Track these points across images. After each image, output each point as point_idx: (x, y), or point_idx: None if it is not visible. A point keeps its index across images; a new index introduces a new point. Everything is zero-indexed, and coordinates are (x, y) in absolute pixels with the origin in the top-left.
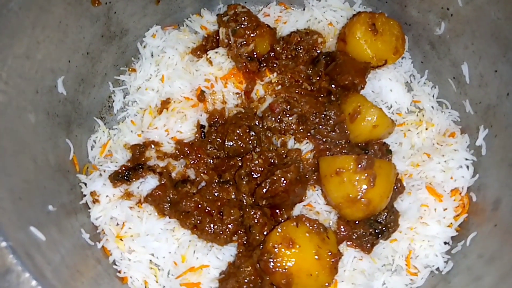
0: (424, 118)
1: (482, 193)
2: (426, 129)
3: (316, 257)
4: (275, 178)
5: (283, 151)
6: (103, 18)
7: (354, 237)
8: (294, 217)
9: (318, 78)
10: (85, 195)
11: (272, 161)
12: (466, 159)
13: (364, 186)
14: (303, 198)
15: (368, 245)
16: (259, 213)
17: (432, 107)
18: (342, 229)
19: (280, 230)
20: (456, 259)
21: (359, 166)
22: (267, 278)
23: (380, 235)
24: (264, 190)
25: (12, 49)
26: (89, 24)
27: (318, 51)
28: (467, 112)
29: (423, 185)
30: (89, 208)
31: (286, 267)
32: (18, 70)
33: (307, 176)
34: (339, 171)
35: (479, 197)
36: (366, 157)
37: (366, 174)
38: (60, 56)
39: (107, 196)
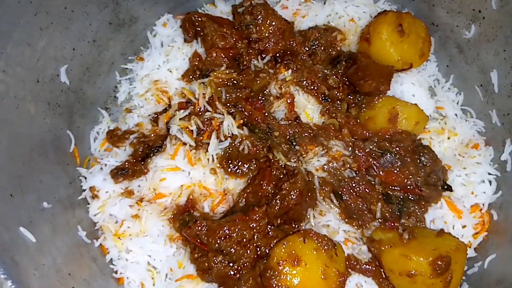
0: (446, 126)
1: (504, 211)
2: (448, 138)
3: (322, 276)
4: (284, 192)
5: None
6: (111, 5)
7: None
8: (302, 231)
9: (335, 84)
10: (84, 190)
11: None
12: (489, 174)
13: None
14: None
15: None
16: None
17: (456, 115)
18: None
19: (285, 246)
20: (471, 281)
21: (437, 270)
22: None
23: None
24: (277, 207)
25: (11, 35)
26: (96, 10)
27: (338, 49)
28: (493, 123)
29: (442, 199)
30: (88, 204)
31: (290, 286)
32: (18, 58)
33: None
34: (411, 273)
35: (500, 216)
36: (443, 256)
37: (442, 278)
38: (64, 43)
39: (107, 192)
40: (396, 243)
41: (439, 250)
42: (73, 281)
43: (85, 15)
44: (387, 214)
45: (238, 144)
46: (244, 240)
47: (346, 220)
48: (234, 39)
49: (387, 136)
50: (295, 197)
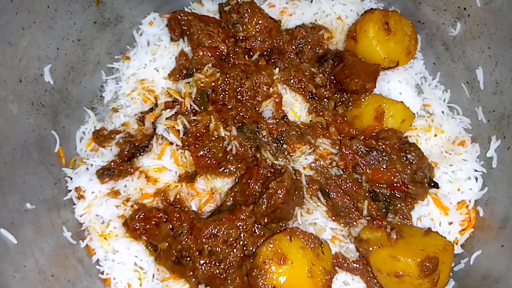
0: (433, 123)
1: (490, 208)
2: (435, 135)
3: (309, 275)
4: (270, 191)
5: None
6: (96, 4)
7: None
8: (288, 229)
9: (322, 82)
10: (70, 190)
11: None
12: (476, 171)
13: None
14: (303, 202)
15: None
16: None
17: (443, 112)
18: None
19: (272, 245)
20: (458, 277)
21: (425, 271)
22: None
23: None
24: (264, 206)
25: None
26: (80, 9)
27: (325, 47)
28: (479, 120)
29: (429, 196)
30: (74, 204)
31: (276, 285)
32: None
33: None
34: (399, 274)
35: (486, 212)
36: (431, 258)
37: (430, 279)
38: (47, 43)
39: (92, 192)
40: (384, 243)
41: (427, 250)
42: (56, 282)
43: (68, 14)
44: (373, 212)
45: (226, 145)
46: (231, 239)
47: (333, 218)
48: (220, 38)
49: (373, 134)
50: (282, 196)
